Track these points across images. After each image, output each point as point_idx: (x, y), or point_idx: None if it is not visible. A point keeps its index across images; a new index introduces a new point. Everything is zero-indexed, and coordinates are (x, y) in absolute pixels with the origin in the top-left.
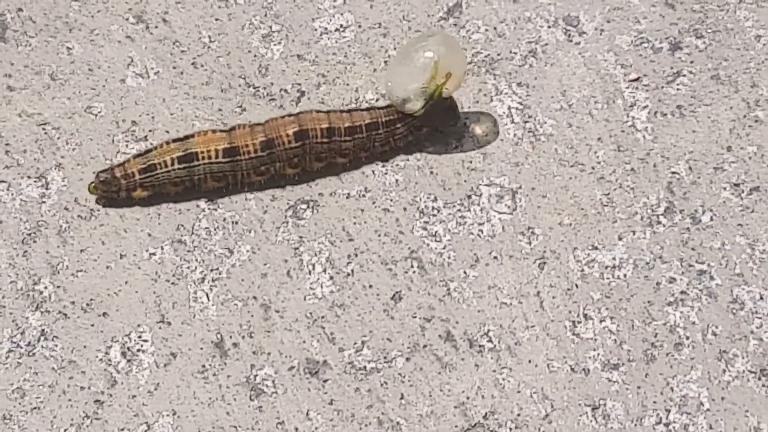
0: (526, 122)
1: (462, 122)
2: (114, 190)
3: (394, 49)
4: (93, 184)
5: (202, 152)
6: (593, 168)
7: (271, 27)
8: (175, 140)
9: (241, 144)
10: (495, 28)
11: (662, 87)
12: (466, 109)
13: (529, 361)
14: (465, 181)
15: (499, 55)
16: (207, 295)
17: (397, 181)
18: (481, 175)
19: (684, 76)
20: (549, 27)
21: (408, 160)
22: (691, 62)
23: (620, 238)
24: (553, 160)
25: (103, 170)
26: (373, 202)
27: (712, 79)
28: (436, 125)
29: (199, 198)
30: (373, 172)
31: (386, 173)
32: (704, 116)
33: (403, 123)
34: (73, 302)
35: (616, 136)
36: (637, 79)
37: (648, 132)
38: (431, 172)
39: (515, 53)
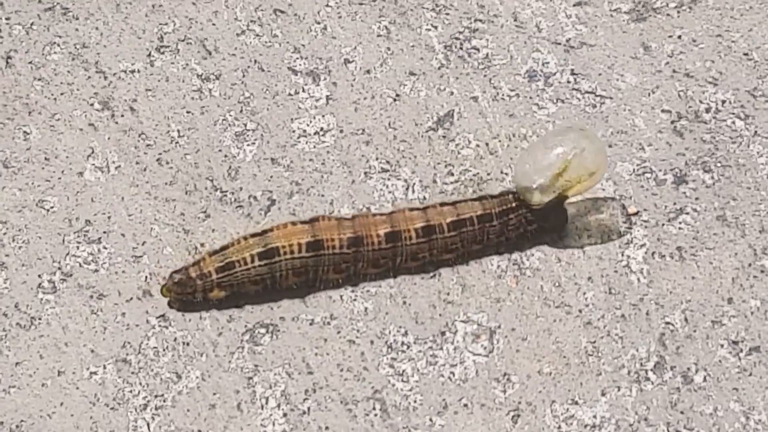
0: (512, 253)
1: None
2: (189, 292)
3: (376, 159)
4: (166, 287)
5: (284, 247)
6: (580, 311)
7: (246, 125)
8: (252, 235)
9: (326, 237)
10: (487, 144)
11: (662, 225)
12: None
13: None
14: (440, 315)
15: (489, 174)
16: (148, 425)
17: (366, 309)
18: (458, 309)
19: (687, 213)
20: None
21: (380, 286)
22: (696, 199)
23: (603, 394)
24: (538, 298)
25: (176, 270)
26: (338, 332)
27: (718, 220)
28: (546, 224)
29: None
30: (341, 297)
31: (355, 299)
32: (706, 261)
33: (516, 214)
34: (1, 422)
35: (608, 277)
36: (636, 214)
37: (643, 275)
38: (404, 302)
39: (506, 174)
